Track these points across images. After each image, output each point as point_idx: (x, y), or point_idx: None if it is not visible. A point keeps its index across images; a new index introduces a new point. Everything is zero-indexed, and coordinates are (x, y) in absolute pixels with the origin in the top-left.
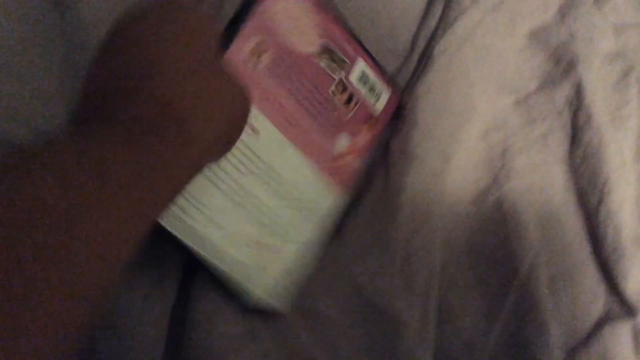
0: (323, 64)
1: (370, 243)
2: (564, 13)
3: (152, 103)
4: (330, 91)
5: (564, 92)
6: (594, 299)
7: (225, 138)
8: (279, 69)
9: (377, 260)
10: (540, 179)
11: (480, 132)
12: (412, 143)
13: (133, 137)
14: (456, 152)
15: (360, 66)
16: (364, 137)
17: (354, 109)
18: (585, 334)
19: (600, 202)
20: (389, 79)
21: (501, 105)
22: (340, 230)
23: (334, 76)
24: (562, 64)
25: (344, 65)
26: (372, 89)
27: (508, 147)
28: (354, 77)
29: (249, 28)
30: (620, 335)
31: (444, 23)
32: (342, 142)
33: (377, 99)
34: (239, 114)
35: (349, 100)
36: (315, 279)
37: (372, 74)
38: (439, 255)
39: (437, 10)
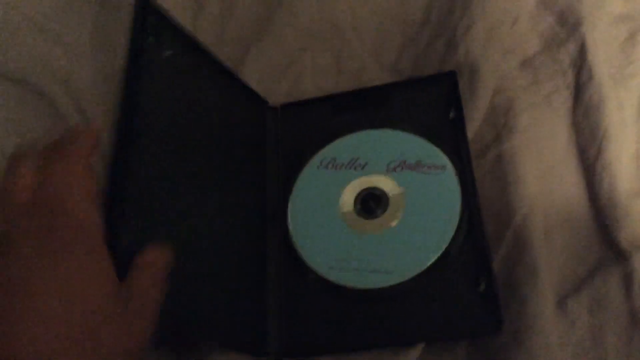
0: None
1: None
2: None
3: None
4: None
5: (568, 52)
6: (588, 248)
7: None
8: None
9: None
10: (542, 136)
11: (487, 94)
12: None
13: None
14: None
15: None
16: None
17: None
18: (578, 282)
19: (598, 154)
20: None
21: (507, 68)
22: None
23: None
24: (567, 25)
25: None
26: None
27: (512, 107)
28: None
29: None
30: (611, 282)
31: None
32: None
33: None
34: None
35: None
36: None
37: None
38: None
39: None
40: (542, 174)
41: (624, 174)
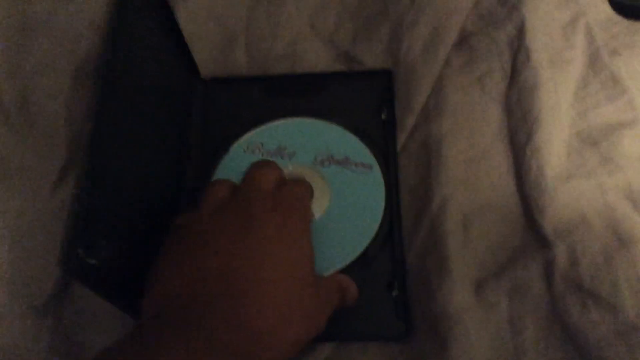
0: None
1: None
2: None
3: (242, 332)
4: None
5: (506, 32)
6: (511, 234)
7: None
8: None
9: None
10: (472, 119)
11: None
12: None
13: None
14: None
15: None
16: None
17: None
18: (498, 267)
19: (528, 138)
20: None
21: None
22: None
23: None
24: (508, 5)
25: None
26: None
27: (442, 88)
28: None
29: None
30: (533, 269)
31: None
32: None
33: None
34: (306, 337)
35: None
36: None
37: None
38: None
39: None
40: (470, 158)
41: (553, 160)
